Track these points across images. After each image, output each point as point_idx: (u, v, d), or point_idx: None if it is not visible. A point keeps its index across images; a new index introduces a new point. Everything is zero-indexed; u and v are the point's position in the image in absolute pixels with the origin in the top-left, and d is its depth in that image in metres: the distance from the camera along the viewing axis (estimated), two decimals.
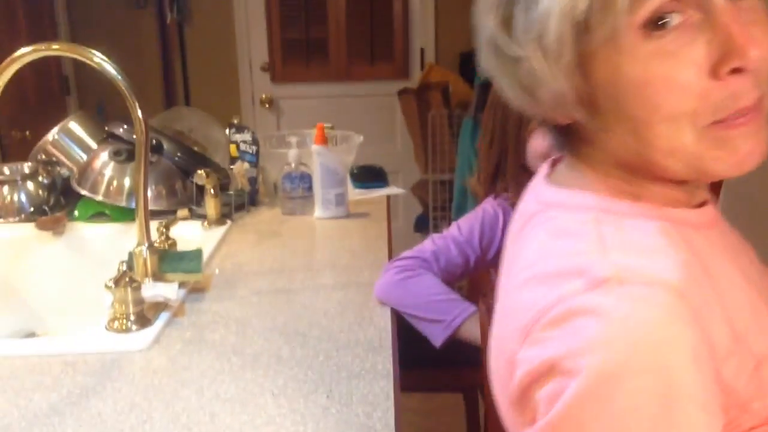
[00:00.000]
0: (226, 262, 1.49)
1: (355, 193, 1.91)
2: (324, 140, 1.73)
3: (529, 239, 0.63)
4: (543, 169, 0.71)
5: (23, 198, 1.72)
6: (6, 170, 1.74)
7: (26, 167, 1.75)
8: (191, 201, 1.74)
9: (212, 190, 1.66)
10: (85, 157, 1.79)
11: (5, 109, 2.70)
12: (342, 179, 1.74)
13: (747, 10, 0.55)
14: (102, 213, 1.69)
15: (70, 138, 1.83)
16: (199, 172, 1.66)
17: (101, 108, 3.20)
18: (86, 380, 1.02)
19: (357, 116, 3.56)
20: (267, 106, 3.75)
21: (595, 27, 0.53)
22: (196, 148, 1.85)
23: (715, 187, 2.22)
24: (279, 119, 3.80)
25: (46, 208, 1.72)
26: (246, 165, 1.81)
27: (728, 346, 0.55)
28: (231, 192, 1.77)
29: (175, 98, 3.75)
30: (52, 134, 1.82)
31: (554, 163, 0.70)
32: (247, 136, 1.85)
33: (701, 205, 0.65)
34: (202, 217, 1.68)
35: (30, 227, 1.65)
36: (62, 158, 1.81)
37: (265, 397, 0.96)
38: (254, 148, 1.85)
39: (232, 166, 1.82)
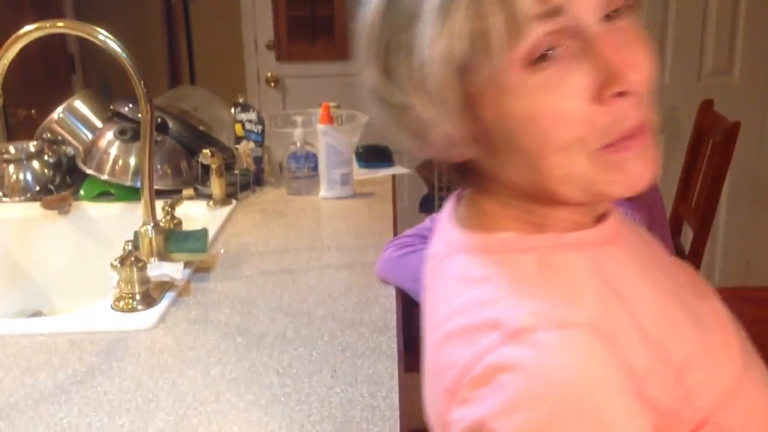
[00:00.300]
0: (232, 241, 1.49)
1: (360, 173, 1.91)
2: (329, 119, 1.72)
3: (442, 288, 0.63)
4: (448, 205, 0.70)
5: (29, 177, 1.72)
6: (11, 149, 1.74)
7: (32, 146, 1.75)
8: (196, 180, 1.74)
9: (217, 170, 1.65)
10: (90, 136, 1.78)
11: (10, 87, 2.69)
12: (347, 159, 1.73)
13: (623, 31, 0.55)
14: (107, 192, 1.69)
15: (76, 117, 1.82)
16: (204, 151, 1.66)
17: (106, 87, 3.20)
18: (92, 359, 1.03)
19: (363, 95, 3.53)
20: (272, 84, 3.73)
21: (476, 69, 0.54)
22: (201, 127, 1.85)
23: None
24: (284, 98, 3.78)
25: (52, 187, 1.72)
26: (251, 144, 1.81)
27: (647, 364, 0.56)
28: (236, 171, 1.77)
29: (180, 77, 3.74)
30: (58, 113, 1.82)
31: (458, 198, 0.70)
32: (253, 116, 1.85)
33: (603, 216, 0.65)
34: (208, 196, 1.68)
35: (36, 206, 1.65)
36: (68, 137, 1.81)
37: (270, 377, 0.97)
38: (259, 127, 1.84)
39: (237, 146, 1.81)
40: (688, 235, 2.41)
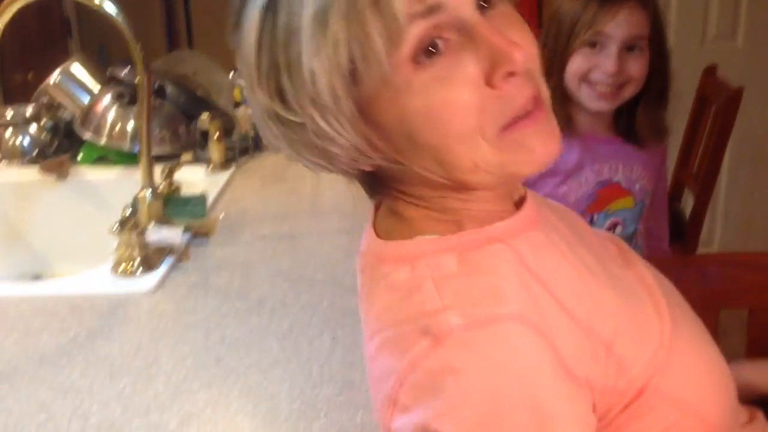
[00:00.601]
0: (231, 206, 1.49)
1: None
2: None
3: (373, 297, 0.63)
4: (370, 216, 0.70)
5: (26, 141, 1.71)
6: (9, 113, 1.73)
7: (29, 110, 1.74)
8: (195, 145, 1.73)
9: (216, 135, 1.64)
10: (87, 100, 1.77)
11: (6, 51, 2.67)
12: None
13: (501, 17, 0.56)
14: (105, 157, 1.68)
15: (72, 81, 1.80)
16: (203, 116, 1.65)
17: (103, 50, 3.16)
18: (93, 322, 1.03)
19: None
20: None
21: (364, 74, 0.54)
22: (199, 92, 1.83)
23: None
24: None
25: (50, 151, 1.71)
26: (250, 109, 1.79)
27: (577, 345, 0.57)
28: (235, 137, 1.75)
29: (177, 41, 3.70)
30: (54, 77, 1.80)
31: (377, 207, 0.70)
32: None
33: (521, 201, 0.66)
34: (207, 161, 1.67)
35: (33, 171, 1.65)
36: (65, 101, 1.80)
37: (270, 341, 0.97)
38: None
39: (236, 111, 1.80)
40: (688, 201, 2.41)
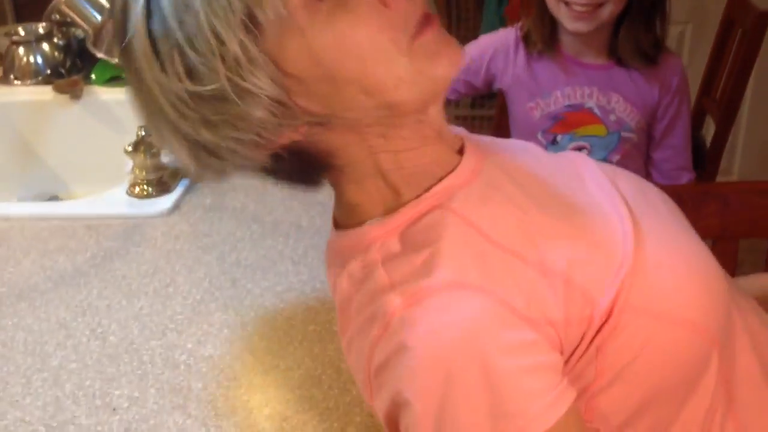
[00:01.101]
0: None
1: None
2: None
3: (337, 290, 0.67)
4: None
5: (39, 60, 1.69)
6: (21, 30, 1.71)
7: (41, 28, 1.71)
8: None
9: None
10: (99, 17, 1.73)
11: None
12: None
13: None
14: (119, 76, 1.66)
15: None
16: None
17: None
18: (109, 243, 1.04)
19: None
20: None
21: (265, 24, 0.54)
22: None
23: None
24: None
25: (63, 70, 1.69)
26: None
27: (532, 289, 0.58)
28: None
29: None
30: None
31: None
32: None
33: (461, 150, 0.67)
34: None
35: (47, 90, 1.63)
36: (76, 19, 1.76)
37: (286, 264, 0.98)
38: None
39: None
40: (710, 128, 2.37)
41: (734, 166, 3.15)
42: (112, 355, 0.83)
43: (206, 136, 0.59)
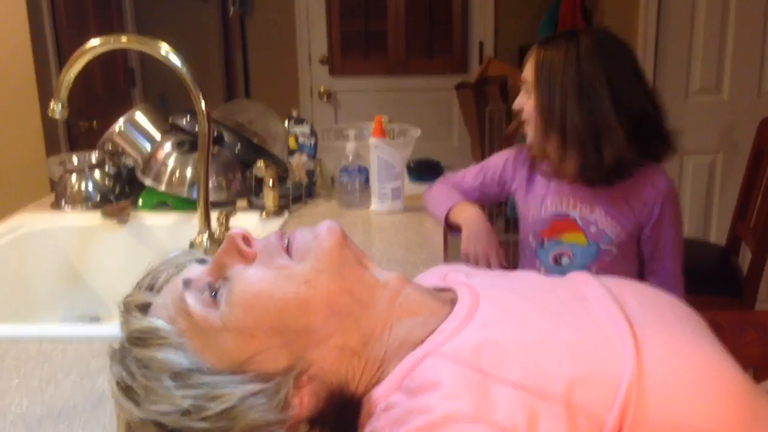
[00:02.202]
0: None
1: (411, 187, 1.92)
2: (382, 133, 1.73)
3: None
4: None
5: (90, 187, 1.77)
6: (75, 160, 1.80)
7: (93, 157, 1.80)
8: (250, 192, 1.77)
9: (271, 182, 1.68)
10: (149, 147, 1.83)
11: (73, 99, 2.77)
12: (399, 173, 1.74)
13: None
14: (164, 203, 1.73)
15: (136, 129, 1.87)
16: (258, 164, 1.69)
17: (164, 100, 3.28)
18: None
19: (414, 110, 3.55)
20: (325, 98, 3.78)
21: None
22: (255, 140, 1.88)
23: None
24: (336, 112, 3.82)
25: (112, 197, 1.77)
26: (304, 157, 1.83)
27: (532, 414, 0.58)
28: (289, 184, 1.79)
29: (235, 90, 3.81)
30: (119, 125, 1.87)
31: None
32: (306, 129, 1.87)
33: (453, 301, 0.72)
34: (261, 208, 1.71)
35: (96, 215, 1.70)
36: (128, 148, 1.86)
37: None
38: (312, 140, 1.87)
39: (290, 158, 1.84)
40: (746, 256, 2.35)
41: None
42: None
43: None
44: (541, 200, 1.61)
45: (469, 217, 1.60)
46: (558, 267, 1.60)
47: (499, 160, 1.71)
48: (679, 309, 0.74)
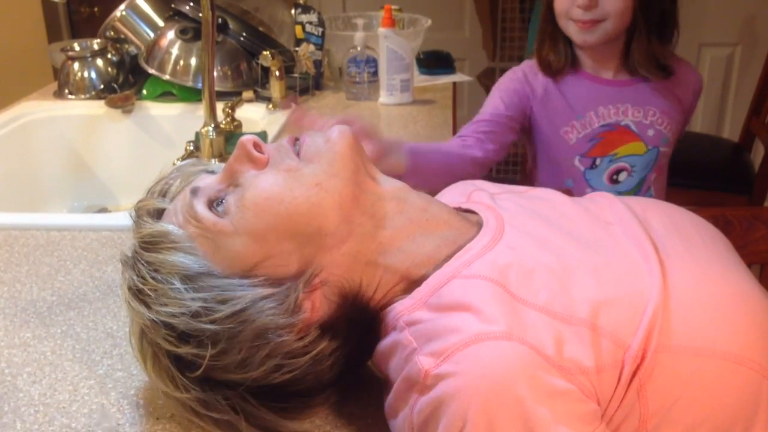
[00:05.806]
0: None
1: (420, 79, 1.88)
2: (391, 23, 1.68)
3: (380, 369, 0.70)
4: None
5: (93, 75, 1.74)
6: (76, 46, 1.76)
7: (95, 44, 1.77)
8: (256, 83, 1.74)
9: (277, 72, 1.64)
10: (152, 34, 1.78)
11: None
12: (408, 64, 1.70)
13: None
14: (169, 92, 1.70)
15: (138, 15, 1.82)
16: (264, 53, 1.65)
17: None
18: None
19: None
20: None
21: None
22: (261, 29, 1.82)
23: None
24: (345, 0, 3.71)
25: (116, 85, 1.74)
26: (311, 47, 1.78)
27: (559, 339, 0.58)
28: (296, 75, 1.75)
29: None
30: (120, 11, 1.81)
31: None
32: (313, 17, 1.81)
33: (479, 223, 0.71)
34: (267, 99, 1.68)
35: (100, 104, 1.68)
36: (130, 35, 1.82)
37: None
38: (320, 29, 1.81)
39: (297, 48, 1.79)
40: (758, 152, 2.33)
41: None
42: None
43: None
44: (583, 114, 1.46)
45: None
46: (614, 186, 1.48)
47: (512, 77, 1.53)
48: (705, 230, 0.73)
